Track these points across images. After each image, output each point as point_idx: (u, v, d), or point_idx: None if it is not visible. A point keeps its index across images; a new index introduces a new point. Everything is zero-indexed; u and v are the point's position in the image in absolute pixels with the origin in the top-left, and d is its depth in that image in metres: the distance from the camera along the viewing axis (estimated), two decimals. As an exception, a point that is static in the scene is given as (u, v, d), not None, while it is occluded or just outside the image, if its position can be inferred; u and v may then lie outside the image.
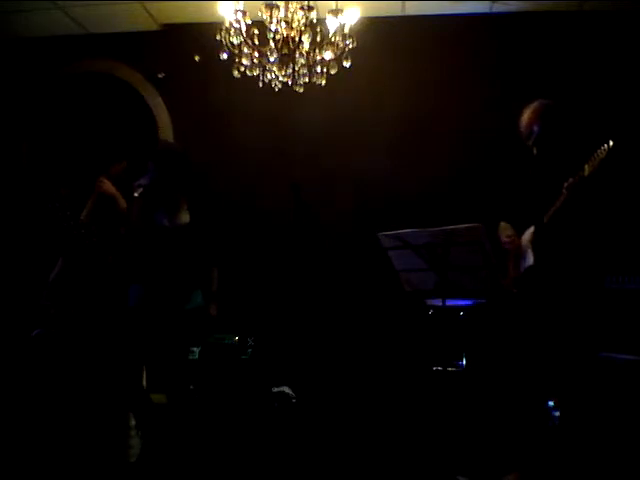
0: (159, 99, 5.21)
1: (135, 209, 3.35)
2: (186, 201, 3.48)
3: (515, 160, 3.18)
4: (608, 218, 2.80)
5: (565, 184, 2.75)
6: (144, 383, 3.75)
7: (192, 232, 3.42)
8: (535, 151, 2.95)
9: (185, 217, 3.45)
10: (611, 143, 2.54)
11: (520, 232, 3.13)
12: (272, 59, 3.58)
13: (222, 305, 3.58)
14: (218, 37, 3.48)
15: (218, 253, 3.60)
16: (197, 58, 4.93)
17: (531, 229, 3.01)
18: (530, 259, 2.99)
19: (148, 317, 3.30)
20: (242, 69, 3.59)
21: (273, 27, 3.46)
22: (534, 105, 3.01)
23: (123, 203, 3.67)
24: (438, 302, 3.59)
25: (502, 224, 3.21)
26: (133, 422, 3.63)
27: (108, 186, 3.73)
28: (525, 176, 3.08)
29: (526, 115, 3.00)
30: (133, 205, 3.36)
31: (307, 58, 3.58)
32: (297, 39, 3.49)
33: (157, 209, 3.39)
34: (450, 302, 3.69)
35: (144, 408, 3.35)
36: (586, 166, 2.63)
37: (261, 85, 3.74)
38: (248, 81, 3.72)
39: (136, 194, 3.25)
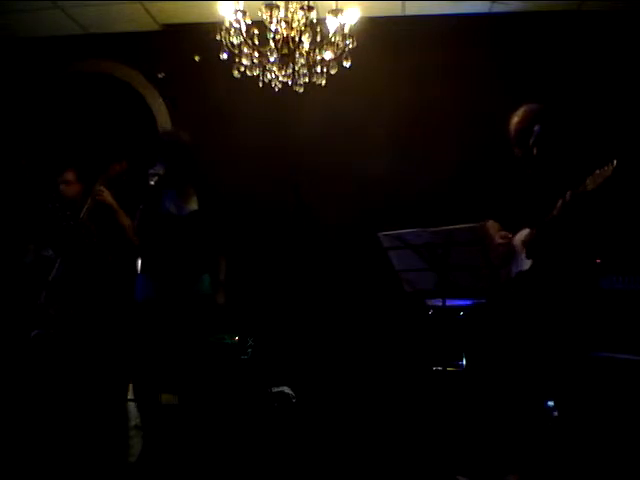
0: (159, 99, 5.21)
1: (148, 200, 3.35)
2: (194, 189, 3.47)
3: (514, 161, 3.18)
4: (608, 228, 2.82)
5: (563, 197, 2.74)
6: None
7: (199, 219, 3.41)
8: (535, 151, 2.94)
9: (192, 204, 3.45)
10: (615, 162, 2.53)
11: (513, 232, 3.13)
12: (272, 59, 3.58)
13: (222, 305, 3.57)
14: (218, 37, 3.48)
15: (225, 241, 3.58)
16: (197, 58, 4.94)
17: (525, 231, 3.00)
18: (522, 261, 2.98)
19: (158, 311, 3.28)
20: (242, 69, 3.59)
21: (273, 27, 3.46)
22: (525, 108, 3.01)
23: (122, 215, 3.66)
24: (438, 302, 3.59)
25: (490, 222, 3.19)
26: (133, 422, 3.64)
27: (106, 195, 3.72)
28: (521, 177, 3.08)
29: (517, 118, 3.00)
30: (147, 196, 3.36)
31: (307, 58, 3.58)
32: (297, 39, 3.49)
33: (165, 197, 3.40)
34: (450, 302, 3.68)
35: (152, 408, 3.34)
36: (588, 181, 2.62)
37: (261, 85, 3.74)
38: (248, 81, 3.72)
39: (152, 182, 3.25)
